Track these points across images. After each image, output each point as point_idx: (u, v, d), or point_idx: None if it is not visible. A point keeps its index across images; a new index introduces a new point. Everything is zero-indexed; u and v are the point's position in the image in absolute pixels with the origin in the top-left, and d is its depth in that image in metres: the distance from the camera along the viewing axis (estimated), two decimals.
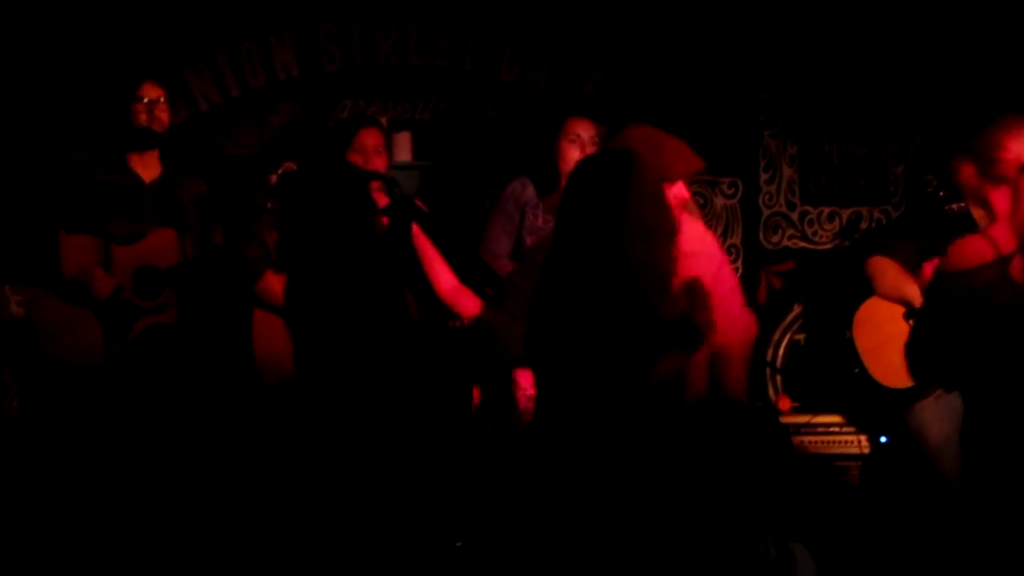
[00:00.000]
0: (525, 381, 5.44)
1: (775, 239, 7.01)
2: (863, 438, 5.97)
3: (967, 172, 5.36)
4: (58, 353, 5.19)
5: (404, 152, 6.62)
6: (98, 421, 5.16)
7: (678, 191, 4.44)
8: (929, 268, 5.36)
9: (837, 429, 5.95)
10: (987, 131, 5.23)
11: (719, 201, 6.90)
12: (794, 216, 7.05)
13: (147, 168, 5.43)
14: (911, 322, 5.54)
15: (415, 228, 5.60)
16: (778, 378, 6.79)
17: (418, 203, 5.66)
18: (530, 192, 5.69)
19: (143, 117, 5.35)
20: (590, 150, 5.61)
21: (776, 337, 6.83)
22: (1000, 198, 5.15)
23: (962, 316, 4.99)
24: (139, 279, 5.22)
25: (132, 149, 5.38)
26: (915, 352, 5.30)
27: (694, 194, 6.33)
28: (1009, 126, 5.19)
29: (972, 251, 5.05)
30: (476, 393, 5.61)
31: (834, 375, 5.85)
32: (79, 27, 6.25)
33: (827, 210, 7.08)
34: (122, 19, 6.29)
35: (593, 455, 3.79)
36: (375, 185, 5.57)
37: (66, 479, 5.26)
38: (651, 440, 3.58)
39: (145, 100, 5.35)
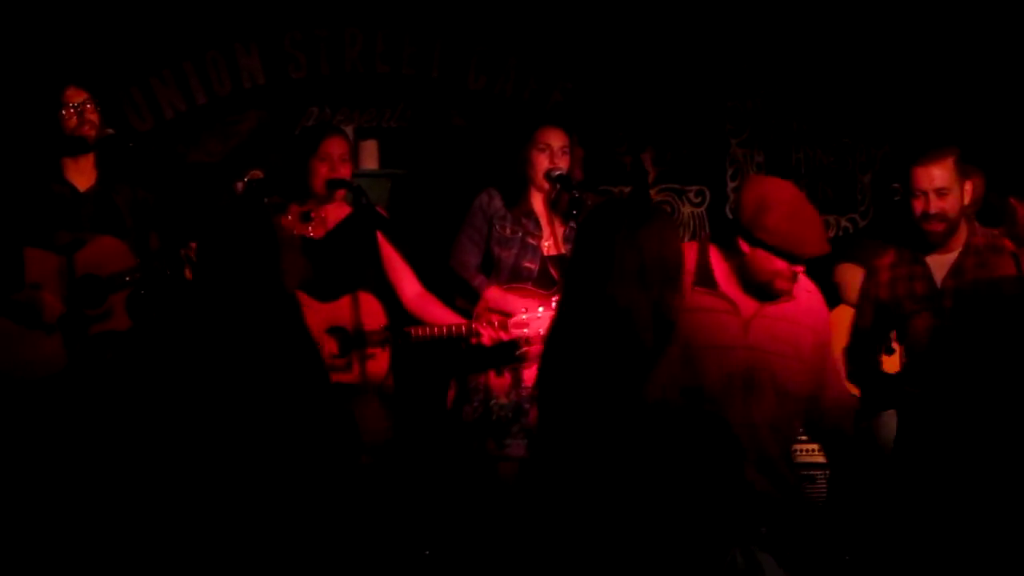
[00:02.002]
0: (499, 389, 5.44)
1: None
2: None
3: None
4: (9, 369, 5.13)
5: (371, 160, 6.60)
6: (54, 433, 5.11)
7: (797, 267, 4.36)
8: None
9: (804, 438, 5.94)
10: None
11: (686, 209, 6.90)
12: None
13: (82, 176, 5.38)
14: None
15: (380, 237, 5.60)
16: None
17: (380, 211, 5.65)
18: (497, 203, 5.67)
19: (73, 122, 5.29)
20: (559, 159, 5.60)
21: None
22: None
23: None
24: (81, 287, 5.17)
25: (66, 154, 5.33)
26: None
27: (661, 203, 6.34)
28: None
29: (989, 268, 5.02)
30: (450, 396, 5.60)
31: None
32: (46, 36, 6.22)
33: None
34: (88, 26, 6.25)
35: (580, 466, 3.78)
36: (339, 193, 5.56)
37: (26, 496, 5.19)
38: (626, 450, 3.59)
39: (72, 104, 5.29)
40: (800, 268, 4.37)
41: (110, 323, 5.21)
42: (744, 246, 4.30)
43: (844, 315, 5.64)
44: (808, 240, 4.32)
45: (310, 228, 5.46)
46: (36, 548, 5.03)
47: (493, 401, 5.42)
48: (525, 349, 5.32)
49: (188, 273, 5.12)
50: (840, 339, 5.63)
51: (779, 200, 4.32)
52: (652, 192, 6.71)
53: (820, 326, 4.51)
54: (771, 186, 4.44)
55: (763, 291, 4.35)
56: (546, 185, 5.60)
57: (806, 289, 4.48)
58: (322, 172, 5.49)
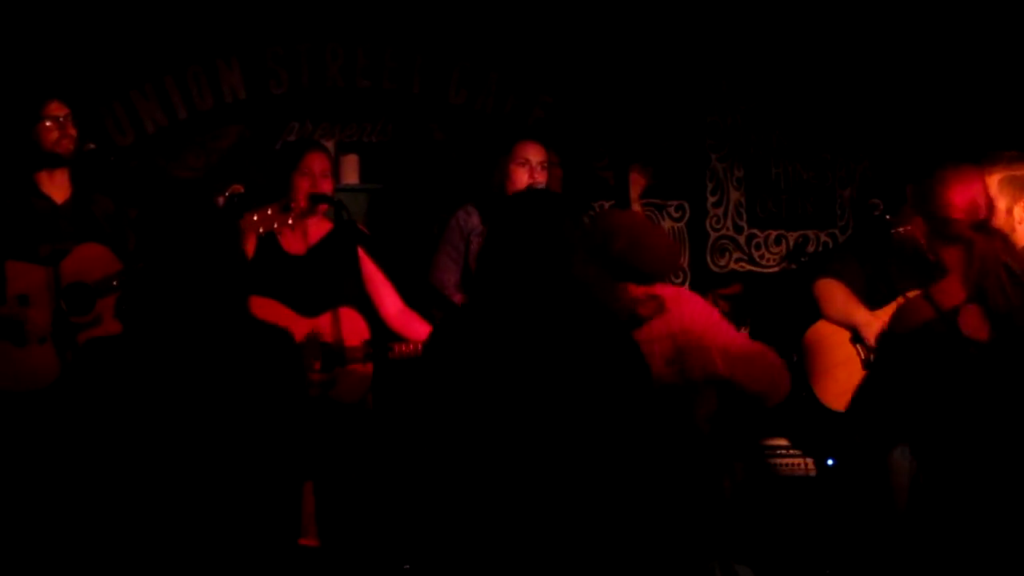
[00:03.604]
0: None
1: (722, 262, 7.04)
2: (809, 461, 5.98)
3: (921, 229, 5.32)
4: (2, 383, 5.11)
5: (351, 175, 6.60)
6: (52, 444, 5.08)
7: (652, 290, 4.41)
8: None
9: (784, 452, 5.96)
10: (932, 190, 5.18)
11: (666, 224, 6.92)
12: (741, 239, 7.08)
13: (58, 189, 5.37)
14: (858, 347, 5.57)
15: (361, 253, 5.60)
16: None
17: (360, 227, 5.64)
18: (475, 220, 5.68)
19: (54, 135, 5.29)
20: (539, 174, 5.61)
21: None
22: (952, 255, 5.12)
23: (915, 375, 4.99)
24: (68, 295, 5.17)
25: (43, 167, 5.32)
26: (867, 408, 5.29)
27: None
28: (950, 182, 5.15)
29: (911, 314, 5.05)
30: None
31: None
32: (27, 50, 6.21)
33: (774, 233, 7.12)
34: (70, 40, 6.25)
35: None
36: (321, 208, 5.56)
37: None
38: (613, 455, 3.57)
39: (54, 117, 5.28)
40: (656, 290, 4.40)
41: (99, 329, 5.20)
42: None
43: (823, 329, 5.66)
44: (652, 260, 4.37)
45: (290, 219, 5.37)
46: (38, 560, 5.02)
47: None
48: None
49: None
50: (819, 355, 5.66)
51: (620, 227, 4.38)
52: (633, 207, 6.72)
53: (690, 321, 4.55)
54: (612, 218, 4.49)
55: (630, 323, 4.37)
56: None
57: (671, 298, 4.51)
58: (304, 187, 5.47)
